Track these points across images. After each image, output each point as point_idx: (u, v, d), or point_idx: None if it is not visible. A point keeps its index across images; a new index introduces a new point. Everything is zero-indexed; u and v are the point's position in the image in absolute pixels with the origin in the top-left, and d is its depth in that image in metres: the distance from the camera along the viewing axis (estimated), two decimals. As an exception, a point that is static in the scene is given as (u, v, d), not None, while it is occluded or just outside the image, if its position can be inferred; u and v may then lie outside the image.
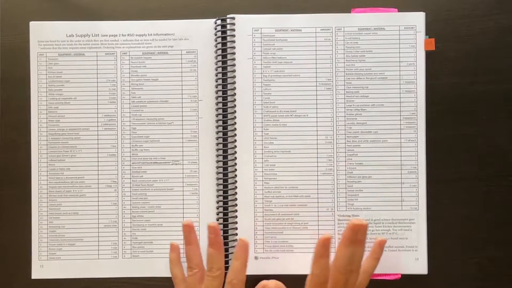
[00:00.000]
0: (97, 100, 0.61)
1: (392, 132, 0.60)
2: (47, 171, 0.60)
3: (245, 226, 0.60)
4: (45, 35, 0.61)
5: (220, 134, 0.60)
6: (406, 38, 0.60)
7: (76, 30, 0.61)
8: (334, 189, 0.60)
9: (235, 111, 0.60)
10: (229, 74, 0.60)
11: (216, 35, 0.60)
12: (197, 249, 0.57)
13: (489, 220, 0.60)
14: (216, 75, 0.61)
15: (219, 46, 0.60)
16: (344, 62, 0.60)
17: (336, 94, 0.60)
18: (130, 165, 0.61)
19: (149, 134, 0.61)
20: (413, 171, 0.59)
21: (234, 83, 0.60)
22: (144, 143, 0.61)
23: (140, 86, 0.61)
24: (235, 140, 0.60)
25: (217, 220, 0.60)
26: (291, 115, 0.60)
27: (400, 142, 0.60)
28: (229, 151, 0.60)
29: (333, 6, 0.61)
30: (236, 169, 0.60)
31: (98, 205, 0.60)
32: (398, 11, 0.60)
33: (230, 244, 0.59)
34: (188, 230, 0.57)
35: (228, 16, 0.60)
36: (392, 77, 0.60)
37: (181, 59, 0.61)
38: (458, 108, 0.60)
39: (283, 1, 0.61)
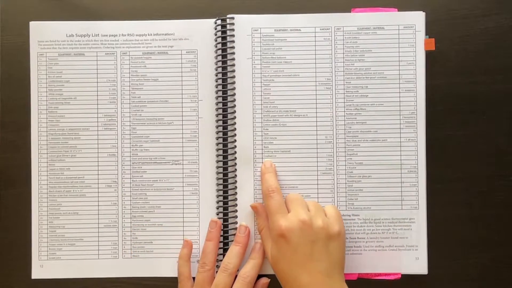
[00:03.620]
0: (97, 100, 0.61)
1: (392, 132, 0.60)
2: (47, 171, 0.60)
3: (245, 226, 0.60)
4: (45, 35, 0.61)
5: (220, 134, 0.60)
6: (405, 37, 0.60)
7: (76, 30, 0.61)
8: (334, 188, 0.60)
9: (235, 111, 0.60)
10: (229, 74, 0.60)
11: (216, 35, 0.60)
12: (215, 247, 0.59)
13: (489, 220, 0.60)
14: (216, 75, 0.61)
15: (219, 46, 0.60)
16: (343, 62, 0.60)
17: (335, 93, 0.60)
18: (130, 165, 0.61)
19: (149, 134, 0.61)
20: (413, 170, 0.59)
21: (234, 83, 0.60)
22: (144, 143, 0.61)
23: (140, 86, 0.61)
24: (235, 140, 0.60)
25: (217, 220, 0.60)
26: (291, 115, 0.60)
27: (400, 142, 0.60)
28: (229, 151, 0.60)
29: (333, 6, 0.61)
30: (236, 169, 0.60)
31: (98, 205, 0.60)
32: (398, 11, 0.60)
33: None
34: (214, 226, 0.59)
35: (227, 16, 0.60)
36: (392, 76, 0.60)
37: (181, 59, 0.61)
38: (458, 108, 0.60)
39: (282, 1, 0.61)
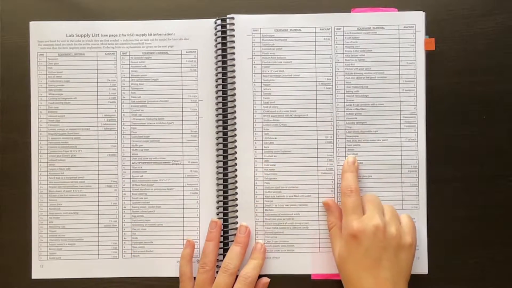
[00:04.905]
0: (97, 100, 0.61)
1: (392, 132, 0.60)
2: (47, 171, 0.60)
3: (245, 226, 0.60)
4: (45, 35, 0.61)
5: (220, 134, 0.60)
6: (405, 37, 0.60)
7: (76, 30, 0.61)
8: (334, 188, 0.60)
9: (235, 111, 0.60)
10: (229, 74, 0.60)
11: (216, 35, 0.60)
12: (216, 247, 0.59)
13: (489, 220, 0.60)
14: (216, 75, 0.61)
15: (219, 46, 0.60)
16: (343, 62, 0.60)
17: (335, 93, 0.60)
18: (130, 165, 0.61)
19: (149, 134, 0.61)
20: (414, 170, 0.59)
21: (234, 83, 0.60)
22: (144, 143, 0.61)
23: (140, 86, 0.61)
24: (235, 140, 0.60)
25: (217, 220, 0.60)
26: (291, 115, 0.60)
27: (400, 142, 0.60)
28: (229, 151, 0.60)
29: (333, 6, 0.61)
30: (236, 169, 0.60)
31: (98, 205, 0.60)
32: (398, 11, 0.60)
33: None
34: (214, 226, 0.59)
35: (227, 16, 0.60)
36: (392, 76, 0.60)
37: (181, 59, 0.61)
38: (458, 108, 0.60)
39: (282, 1, 0.61)
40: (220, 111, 0.60)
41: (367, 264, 0.53)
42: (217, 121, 0.60)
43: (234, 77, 0.60)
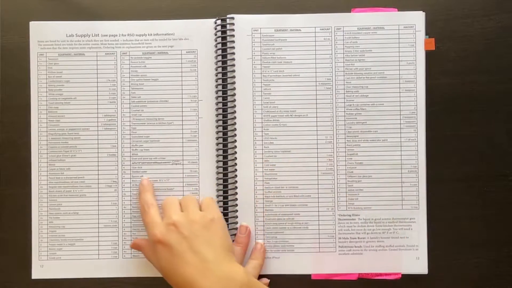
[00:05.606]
0: (97, 100, 0.61)
1: (392, 132, 0.60)
2: (47, 171, 0.60)
3: (245, 226, 0.60)
4: (45, 35, 0.61)
5: (220, 134, 0.60)
6: (405, 37, 0.60)
7: (76, 30, 0.61)
8: (334, 188, 0.60)
9: (235, 111, 0.60)
10: (229, 74, 0.60)
11: (216, 35, 0.60)
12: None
13: (489, 220, 0.60)
14: (216, 75, 0.61)
15: (219, 46, 0.60)
16: (343, 62, 0.60)
17: (335, 93, 0.60)
18: (130, 165, 0.61)
19: (149, 134, 0.61)
20: (414, 170, 0.59)
21: (234, 83, 0.60)
22: (144, 143, 0.61)
23: (140, 86, 0.61)
24: (235, 140, 0.60)
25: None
26: (291, 115, 0.60)
27: (400, 142, 0.60)
28: (229, 151, 0.60)
29: (333, 6, 0.61)
30: (236, 169, 0.60)
31: (98, 205, 0.60)
32: (398, 11, 0.60)
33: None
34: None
35: (227, 16, 0.60)
36: (392, 76, 0.60)
37: (181, 59, 0.61)
38: (458, 108, 0.60)
39: (282, 1, 0.61)
40: (220, 111, 0.60)
41: (184, 260, 0.53)
42: (217, 121, 0.60)
43: (234, 77, 0.60)
